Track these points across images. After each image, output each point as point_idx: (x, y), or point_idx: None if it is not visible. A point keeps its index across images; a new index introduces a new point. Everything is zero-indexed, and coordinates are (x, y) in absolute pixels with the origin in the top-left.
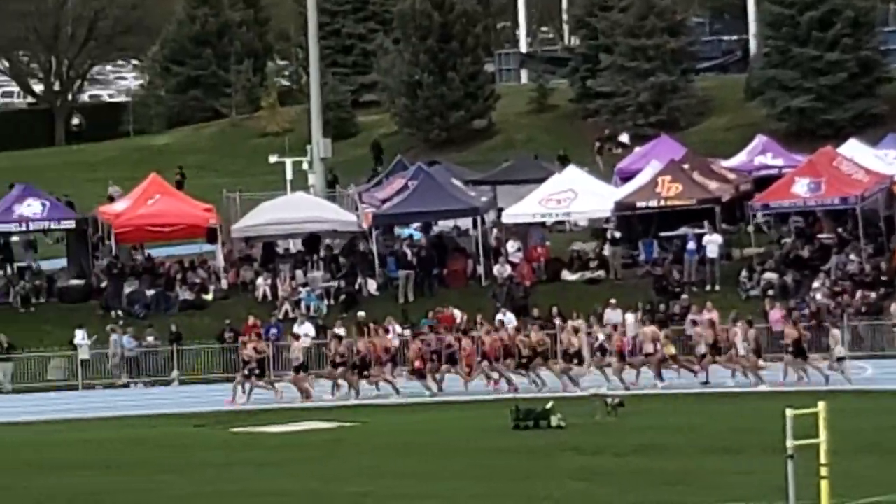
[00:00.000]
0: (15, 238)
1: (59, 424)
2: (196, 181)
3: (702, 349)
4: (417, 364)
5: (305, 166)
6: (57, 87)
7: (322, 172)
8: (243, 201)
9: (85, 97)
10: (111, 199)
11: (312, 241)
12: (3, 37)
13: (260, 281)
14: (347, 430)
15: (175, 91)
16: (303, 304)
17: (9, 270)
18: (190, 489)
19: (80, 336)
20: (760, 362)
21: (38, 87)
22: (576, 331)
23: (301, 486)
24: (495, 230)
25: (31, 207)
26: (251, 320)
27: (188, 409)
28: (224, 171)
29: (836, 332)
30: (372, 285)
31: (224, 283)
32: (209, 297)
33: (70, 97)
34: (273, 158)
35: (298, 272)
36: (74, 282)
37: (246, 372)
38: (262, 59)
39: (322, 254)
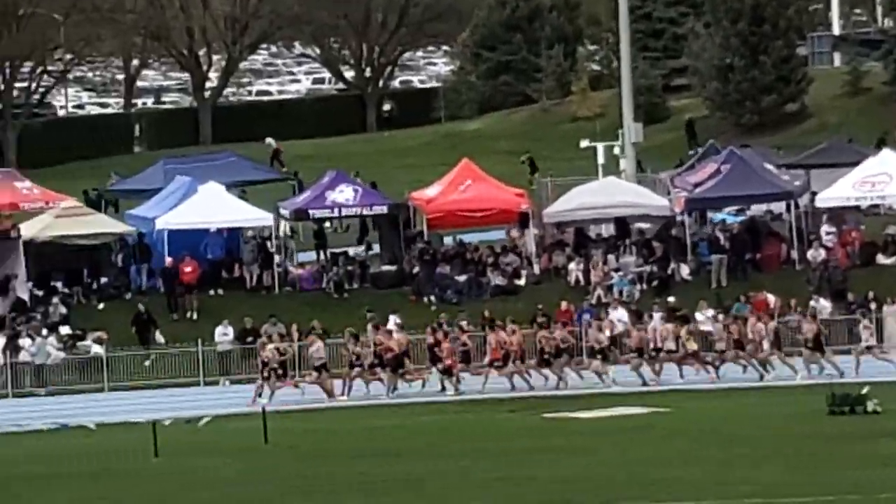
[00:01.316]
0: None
1: (373, 410)
2: (507, 167)
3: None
4: (449, 362)
5: (616, 151)
6: (368, 73)
7: (633, 157)
8: (554, 186)
9: (395, 83)
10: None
11: (623, 225)
12: (315, 23)
13: (572, 266)
14: (657, 415)
15: (485, 76)
16: (615, 289)
17: (322, 257)
18: (502, 474)
19: (392, 321)
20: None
21: (349, 74)
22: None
23: (610, 472)
24: (809, 214)
25: (344, 194)
26: (564, 305)
27: (500, 394)
28: (535, 157)
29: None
30: (684, 270)
31: (536, 269)
32: (521, 282)
33: (381, 83)
34: (584, 143)
35: (610, 257)
36: (387, 268)
37: (266, 374)
38: (573, 43)
39: (634, 238)
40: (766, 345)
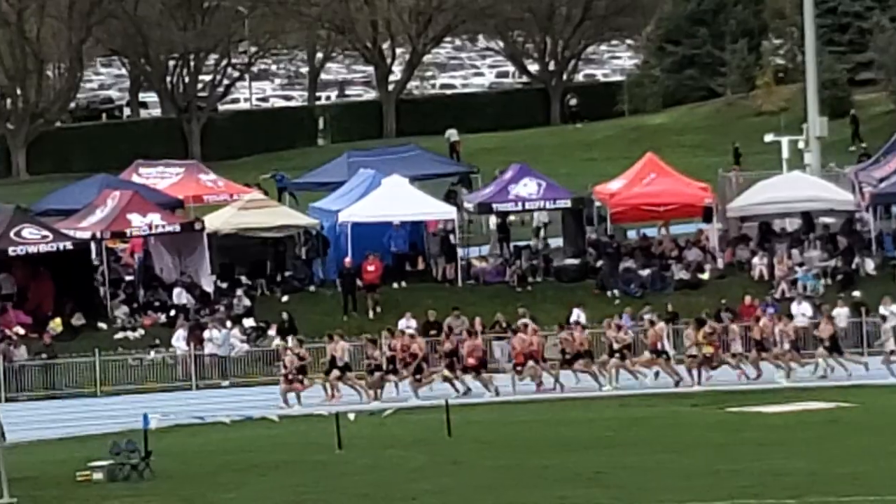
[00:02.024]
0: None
1: (554, 404)
2: (691, 160)
3: None
4: (471, 361)
5: (801, 145)
6: (552, 67)
7: (818, 151)
8: (738, 180)
9: (579, 77)
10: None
11: (808, 220)
12: (499, 17)
13: (756, 260)
14: (845, 410)
15: (670, 70)
16: (799, 284)
17: (505, 250)
18: (688, 468)
19: (575, 315)
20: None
21: (533, 68)
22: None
23: (797, 467)
24: None
25: (527, 187)
26: (748, 300)
27: (684, 388)
28: (719, 151)
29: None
30: (869, 265)
31: (720, 263)
32: (705, 276)
33: (565, 77)
34: (769, 137)
35: (794, 251)
36: (570, 261)
37: (290, 378)
38: (758, 37)
39: (818, 232)
40: None
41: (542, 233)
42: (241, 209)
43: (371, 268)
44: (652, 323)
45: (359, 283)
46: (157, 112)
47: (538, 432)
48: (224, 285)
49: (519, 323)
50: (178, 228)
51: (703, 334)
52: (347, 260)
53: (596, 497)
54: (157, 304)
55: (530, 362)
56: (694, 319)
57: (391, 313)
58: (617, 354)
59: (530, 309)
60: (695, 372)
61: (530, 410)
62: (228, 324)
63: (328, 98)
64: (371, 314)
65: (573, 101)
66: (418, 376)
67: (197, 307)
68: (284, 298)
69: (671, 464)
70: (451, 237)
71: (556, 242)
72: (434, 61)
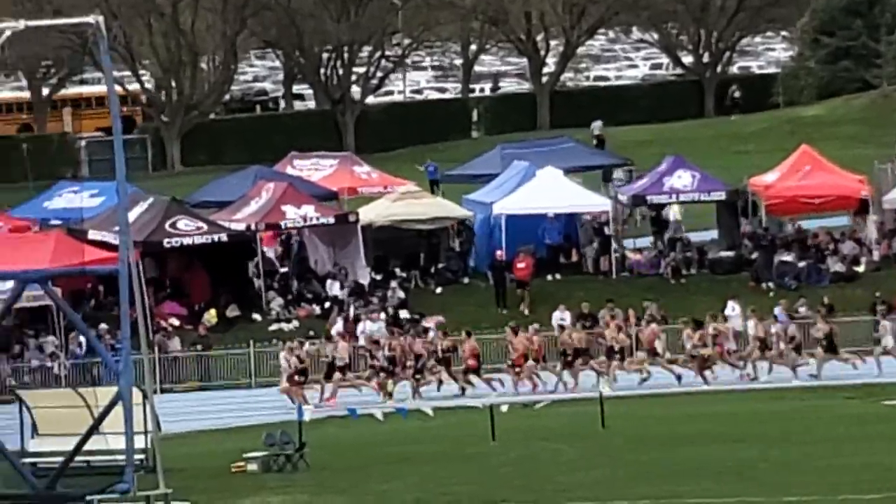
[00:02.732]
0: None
1: (707, 397)
2: (847, 152)
3: None
4: (471, 363)
5: None
6: (706, 59)
7: None
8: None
9: (734, 69)
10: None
11: None
12: (653, 9)
13: None
14: None
15: (825, 62)
16: None
17: (659, 243)
18: (833, 461)
19: (730, 307)
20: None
21: (687, 59)
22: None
23: None
24: None
25: (682, 179)
26: None
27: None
28: (875, 143)
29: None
30: None
31: (876, 255)
32: (861, 268)
33: (719, 69)
34: None
35: None
36: (725, 253)
37: (296, 378)
38: None
39: None
40: None
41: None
42: (395, 201)
43: (521, 265)
44: (648, 322)
45: (511, 277)
46: (311, 104)
47: (689, 426)
48: (378, 277)
49: (646, 315)
50: (332, 220)
51: (700, 336)
52: (499, 253)
53: (745, 490)
54: (310, 295)
55: (529, 362)
56: (691, 320)
57: (545, 305)
58: (617, 356)
59: (684, 301)
60: (699, 372)
61: (683, 403)
62: (383, 316)
63: (482, 90)
64: (523, 308)
65: (737, 93)
66: (418, 377)
67: (352, 299)
68: (438, 290)
69: (820, 458)
70: (606, 229)
71: (710, 235)
72: (588, 53)
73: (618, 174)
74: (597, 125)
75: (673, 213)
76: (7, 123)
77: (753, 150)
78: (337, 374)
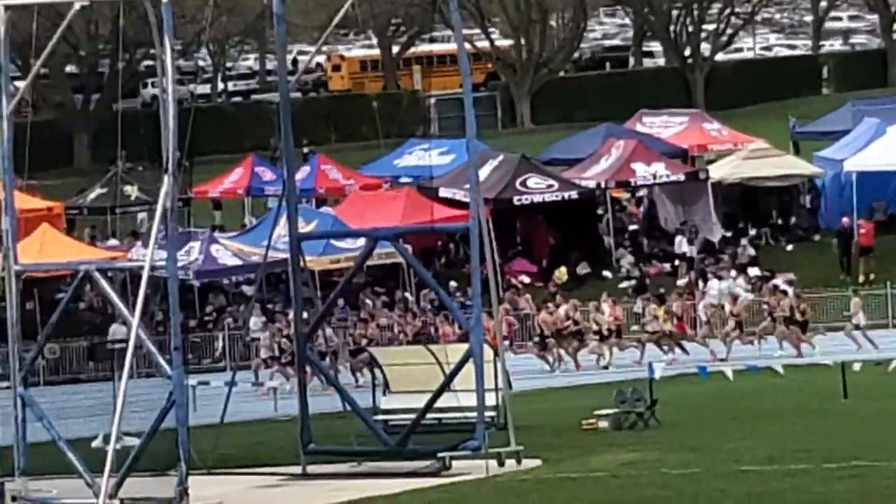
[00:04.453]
0: None
1: None
2: None
3: None
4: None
5: None
6: None
7: None
8: None
9: None
10: None
11: None
12: None
13: None
14: None
15: None
16: None
17: None
18: None
19: None
20: None
21: None
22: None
23: None
24: None
25: None
26: None
27: None
28: None
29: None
30: None
31: None
32: None
33: None
34: None
35: None
36: None
37: (279, 360)
38: None
39: None
40: None
41: None
42: (746, 159)
43: (863, 231)
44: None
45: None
46: (660, 61)
47: None
48: (729, 234)
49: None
50: (682, 178)
51: (665, 310)
52: (845, 220)
53: None
54: (660, 253)
55: (551, 340)
56: (654, 295)
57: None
58: (613, 335)
59: None
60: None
61: None
62: (733, 273)
63: (832, 47)
64: (862, 278)
65: None
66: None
67: (702, 256)
68: (789, 248)
69: None
70: None
71: None
72: None
73: None
74: None
75: None
76: (373, 81)
77: None
78: None
